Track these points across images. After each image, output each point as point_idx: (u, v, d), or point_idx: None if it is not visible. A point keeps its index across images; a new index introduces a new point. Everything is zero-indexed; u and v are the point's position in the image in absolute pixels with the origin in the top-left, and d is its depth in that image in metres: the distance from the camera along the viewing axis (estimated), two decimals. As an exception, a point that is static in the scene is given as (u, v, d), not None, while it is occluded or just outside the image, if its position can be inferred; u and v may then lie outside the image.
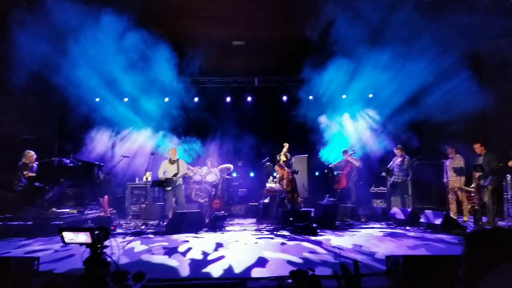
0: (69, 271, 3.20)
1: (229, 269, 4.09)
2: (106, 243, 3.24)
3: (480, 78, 10.94)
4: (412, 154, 9.71)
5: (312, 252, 5.14)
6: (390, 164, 9.67)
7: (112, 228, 7.34)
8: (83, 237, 3.17)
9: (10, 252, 5.31)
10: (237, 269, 4.08)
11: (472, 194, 7.38)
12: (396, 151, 9.60)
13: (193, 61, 11.45)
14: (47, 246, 5.87)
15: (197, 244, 5.91)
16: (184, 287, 3.25)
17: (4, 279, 3.15)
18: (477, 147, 7.98)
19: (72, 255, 5.05)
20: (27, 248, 5.67)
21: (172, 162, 8.79)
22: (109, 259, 3.29)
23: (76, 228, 3.25)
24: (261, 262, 4.49)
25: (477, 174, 7.57)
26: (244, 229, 7.64)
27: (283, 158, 9.29)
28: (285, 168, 8.81)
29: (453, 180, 8.49)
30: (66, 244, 3.23)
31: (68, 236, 3.20)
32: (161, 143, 11.90)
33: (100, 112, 11.32)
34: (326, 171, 10.80)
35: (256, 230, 7.54)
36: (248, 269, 4.09)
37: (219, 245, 5.77)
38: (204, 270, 4.05)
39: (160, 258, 4.75)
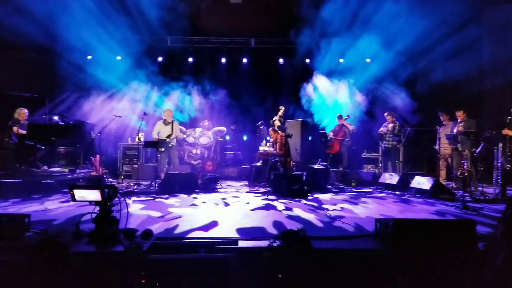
0: (62, 229, 3.20)
1: (222, 229, 4.14)
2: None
3: (480, 44, 10.83)
4: (408, 120, 9.74)
5: (301, 213, 5.20)
6: (381, 129, 9.70)
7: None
8: (94, 195, 3.20)
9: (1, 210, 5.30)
10: (229, 229, 4.12)
11: (462, 161, 7.45)
12: (386, 117, 9.60)
13: (189, 20, 11.14)
14: (37, 204, 5.86)
15: (190, 204, 5.96)
16: (183, 246, 3.28)
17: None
18: (460, 114, 8.08)
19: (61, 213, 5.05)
20: (18, 206, 5.65)
21: (166, 123, 8.74)
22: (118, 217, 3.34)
23: (87, 185, 3.26)
24: (252, 223, 4.55)
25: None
26: (236, 191, 7.69)
27: (277, 122, 9.23)
28: (279, 132, 8.78)
29: (444, 146, 8.58)
30: (75, 201, 3.24)
31: (79, 193, 3.22)
32: (155, 102, 11.82)
33: (92, 70, 11.10)
34: (320, 135, 10.81)
35: (248, 192, 7.60)
36: (240, 229, 4.13)
37: (211, 206, 5.82)
38: (197, 230, 4.08)
39: (155, 218, 4.78)
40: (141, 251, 2.85)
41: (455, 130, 8.03)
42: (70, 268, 2.48)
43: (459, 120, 8.11)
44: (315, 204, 6.06)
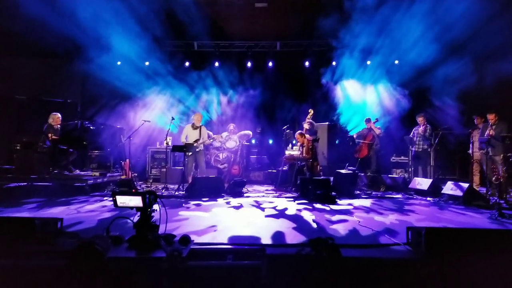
0: (99, 235, 3.26)
1: (248, 236, 4.12)
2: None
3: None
4: (438, 123, 9.45)
5: (330, 220, 5.12)
6: (412, 133, 9.46)
7: (133, 191, 7.47)
8: (135, 201, 3.27)
9: (34, 213, 5.47)
10: (256, 235, 4.10)
11: (493, 166, 7.18)
12: (418, 120, 9.37)
13: (215, 24, 11.24)
14: (69, 207, 6.01)
15: (216, 209, 5.98)
16: (210, 253, 3.29)
17: (30, 239, 3.24)
18: (492, 117, 7.75)
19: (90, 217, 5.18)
20: (50, 209, 5.81)
21: (195, 127, 8.88)
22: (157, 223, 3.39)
23: (129, 191, 3.33)
24: (280, 229, 4.51)
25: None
26: (262, 196, 7.67)
27: (306, 125, 9.17)
28: (306, 135, 8.71)
29: (478, 151, 8.28)
30: (117, 207, 3.32)
31: (121, 199, 3.30)
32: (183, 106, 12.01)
33: (122, 76, 11.38)
34: (347, 139, 10.64)
35: (274, 196, 7.57)
36: (267, 236, 4.11)
37: (238, 211, 5.83)
38: (223, 235, 4.09)
39: (186, 222, 4.82)
40: (181, 257, 2.88)
41: (486, 134, 7.70)
42: (107, 274, 2.52)
43: (490, 123, 7.79)
44: (343, 210, 5.96)
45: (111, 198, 6.83)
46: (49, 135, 8.08)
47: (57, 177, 7.81)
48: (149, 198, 3.30)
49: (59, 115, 8.51)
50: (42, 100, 10.62)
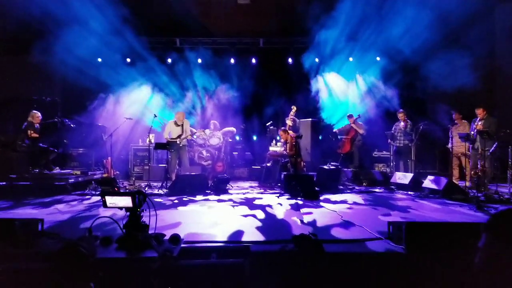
0: (84, 236, 3.20)
1: (232, 233, 4.13)
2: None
3: (492, 41, 10.67)
4: (417, 119, 9.60)
5: (313, 216, 5.17)
6: (393, 128, 9.61)
7: (116, 188, 7.40)
8: (125, 201, 3.22)
9: (13, 213, 5.36)
10: (239, 233, 4.12)
11: (478, 160, 7.36)
12: (399, 115, 9.52)
13: (197, 21, 11.15)
14: (50, 207, 5.91)
15: (199, 206, 5.97)
16: (194, 251, 3.27)
17: (9, 240, 3.18)
18: (480, 112, 7.88)
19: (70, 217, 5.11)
20: (30, 210, 5.70)
21: (177, 124, 8.82)
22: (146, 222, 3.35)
23: (118, 192, 3.29)
24: (263, 225, 4.53)
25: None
26: (247, 192, 7.68)
27: (289, 122, 9.20)
28: (289, 132, 8.75)
29: (457, 145, 8.46)
30: (107, 207, 3.27)
31: (110, 200, 3.25)
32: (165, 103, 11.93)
33: (103, 73, 11.20)
34: (330, 136, 10.73)
35: (259, 193, 7.59)
36: (251, 232, 4.13)
37: (222, 208, 5.83)
38: (207, 233, 4.09)
39: (169, 220, 4.79)
40: (172, 256, 2.86)
41: (474, 128, 7.84)
42: (94, 276, 2.48)
43: (478, 118, 7.94)
44: (326, 206, 6.02)
45: (91, 197, 6.80)
46: (29, 132, 7.89)
47: (37, 176, 7.66)
48: (139, 198, 3.27)
49: (39, 113, 8.32)
50: (20, 98, 10.34)
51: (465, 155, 8.43)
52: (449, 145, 8.45)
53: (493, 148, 7.22)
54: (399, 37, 10.62)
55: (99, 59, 11.64)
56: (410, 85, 11.25)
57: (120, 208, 3.30)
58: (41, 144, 8.03)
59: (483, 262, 1.14)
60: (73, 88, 11.05)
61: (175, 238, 3.34)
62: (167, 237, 3.42)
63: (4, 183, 7.22)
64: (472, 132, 7.82)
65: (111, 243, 3.30)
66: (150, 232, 3.36)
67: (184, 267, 2.85)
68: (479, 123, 7.82)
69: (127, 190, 7.78)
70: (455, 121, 8.63)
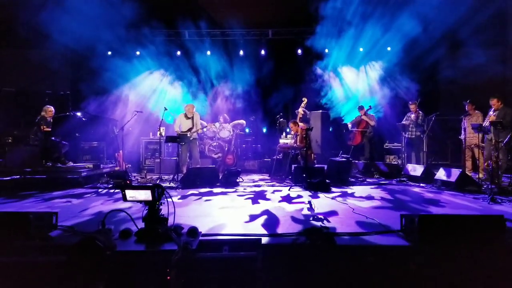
0: (101, 230, 3.23)
1: (244, 226, 4.14)
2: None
3: (504, 34, 10.47)
4: (430, 110, 9.49)
5: (324, 208, 5.15)
6: (405, 119, 9.51)
7: (128, 181, 7.47)
8: (144, 195, 3.26)
9: (28, 207, 5.44)
10: (251, 225, 4.13)
11: (492, 151, 7.23)
12: (410, 106, 9.41)
13: (205, 13, 11.12)
14: (63, 200, 5.99)
15: (210, 199, 5.99)
16: (206, 244, 3.28)
17: (24, 233, 3.23)
18: (494, 102, 7.71)
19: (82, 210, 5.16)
20: (44, 203, 5.78)
21: (187, 117, 8.84)
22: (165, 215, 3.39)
23: (138, 186, 3.33)
24: (275, 218, 4.53)
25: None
26: (257, 185, 7.69)
27: (300, 113, 9.15)
28: (299, 124, 8.71)
29: (470, 137, 8.34)
30: (126, 201, 3.31)
31: (130, 193, 3.30)
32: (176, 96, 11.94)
33: (113, 67, 11.26)
34: (341, 127, 10.66)
35: (269, 185, 7.59)
36: (262, 225, 4.13)
37: (233, 201, 5.84)
38: (218, 225, 4.11)
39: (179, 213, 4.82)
40: (192, 249, 2.89)
41: (487, 119, 7.70)
42: (111, 269, 2.51)
43: (493, 109, 7.79)
44: (337, 198, 6.00)
45: (104, 190, 6.87)
46: (42, 127, 7.98)
47: (50, 169, 7.76)
48: (158, 191, 3.30)
49: (52, 107, 8.40)
50: (32, 92, 10.45)
51: (478, 146, 8.29)
52: (462, 136, 8.33)
53: (507, 139, 7.09)
54: (410, 27, 10.47)
55: (109, 52, 11.69)
56: (423, 75, 11.09)
57: (140, 202, 3.34)
58: (53, 138, 8.12)
59: None
60: (84, 81, 11.12)
61: (193, 231, 3.36)
62: (185, 230, 3.44)
63: (17, 176, 7.32)
64: (486, 123, 7.67)
65: (130, 236, 3.34)
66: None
67: (201, 260, 2.87)
68: (493, 113, 7.68)
69: (138, 184, 7.89)
70: (468, 112, 8.48)
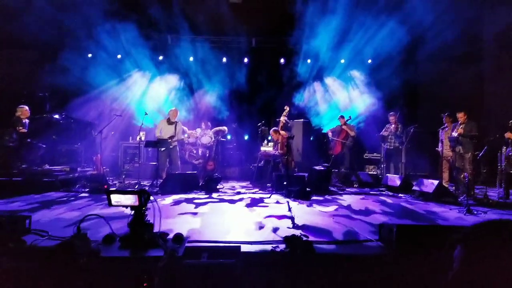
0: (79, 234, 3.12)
1: (223, 233, 4.10)
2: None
3: (479, 48, 10.82)
4: (408, 122, 9.68)
5: (304, 217, 5.16)
6: (383, 130, 9.67)
7: (105, 186, 7.32)
8: (130, 200, 3.18)
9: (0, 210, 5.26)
10: (231, 233, 4.09)
11: (463, 164, 7.45)
12: (390, 118, 9.59)
13: (189, 19, 11.12)
14: (38, 204, 5.82)
15: (189, 205, 5.93)
16: (185, 251, 3.22)
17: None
18: (461, 116, 7.89)
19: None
20: (17, 206, 5.61)
21: (170, 122, 8.72)
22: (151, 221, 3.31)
23: (124, 191, 3.24)
24: (254, 225, 4.51)
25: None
26: (238, 192, 7.65)
27: (282, 121, 9.18)
28: (281, 132, 8.74)
29: (447, 148, 8.53)
30: (111, 205, 3.22)
31: (115, 198, 3.21)
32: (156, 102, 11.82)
33: (93, 69, 11.09)
34: (321, 136, 10.75)
35: (250, 192, 7.57)
36: (242, 232, 4.10)
37: (213, 208, 5.79)
38: (197, 232, 4.06)
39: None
40: (177, 256, 2.82)
41: (454, 133, 7.91)
42: (84, 278, 2.42)
43: (459, 122, 8.01)
44: (318, 206, 6.03)
45: (80, 194, 6.71)
46: (18, 128, 7.76)
47: (26, 172, 7.54)
48: (144, 196, 3.23)
49: (27, 108, 8.18)
50: (8, 92, 10.15)
51: (453, 159, 8.49)
52: (439, 148, 8.51)
53: (482, 152, 7.30)
54: (389, 38, 10.72)
55: (89, 55, 11.52)
56: (402, 87, 11.31)
57: (126, 207, 3.26)
58: (29, 140, 7.90)
59: (457, 272, 1.15)
60: (63, 83, 10.90)
61: (179, 237, 3.30)
62: (170, 236, 3.38)
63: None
64: (455, 134, 7.87)
65: (114, 242, 3.25)
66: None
67: (187, 267, 2.82)
68: (460, 127, 7.88)
69: (117, 188, 7.74)
70: (445, 124, 8.68)
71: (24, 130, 7.88)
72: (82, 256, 2.65)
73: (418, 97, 12.07)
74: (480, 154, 7.31)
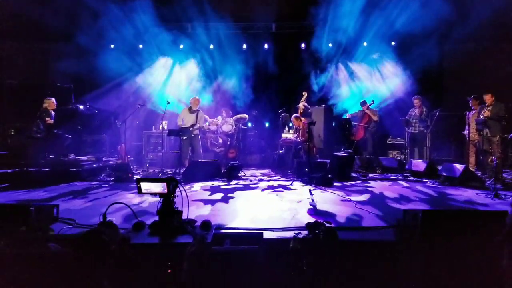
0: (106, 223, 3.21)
1: (245, 219, 4.13)
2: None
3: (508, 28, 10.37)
4: (433, 105, 9.43)
5: (327, 203, 5.14)
6: (408, 114, 9.43)
7: (130, 175, 7.47)
8: (159, 187, 3.26)
9: (29, 199, 5.44)
10: (253, 220, 4.11)
11: (491, 147, 7.21)
12: (414, 102, 9.33)
13: (208, 5, 11.06)
14: (65, 193, 5.99)
15: (212, 192, 5.98)
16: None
17: (25, 226, 3.22)
18: (488, 98, 7.60)
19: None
20: (45, 196, 5.78)
21: (191, 111, 8.78)
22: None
23: (153, 178, 3.32)
24: (277, 212, 4.52)
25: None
26: (259, 179, 7.67)
27: (301, 107, 9.09)
28: (302, 118, 8.67)
29: (474, 132, 8.26)
30: (141, 193, 3.31)
31: (145, 186, 3.30)
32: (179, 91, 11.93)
33: (116, 60, 11.23)
34: (343, 122, 10.59)
35: (272, 180, 7.57)
36: (265, 219, 4.12)
37: (236, 195, 5.83)
38: (219, 219, 4.10)
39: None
40: (207, 242, 2.87)
41: (481, 115, 7.65)
42: (112, 265, 2.48)
43: (486, 104, 7.72)
44: (340, 193, 5.97)
45: (106, 183, 6.87)
46: (45, 119, 7.95)
47: (53, 162, 7.75)
48: (172, 184, 3.29)
49: (54, 99, 8.37)
50: (35, 85, 10.41)
51: (480, 142, 8.23)
52: (465, 132, 8.26)
53: (511, 135, 7.04)
54: (414, 20, 10.36)
55: (112, 46, 11.67)
56: (427, 70, 10.97)
57: (155, 194, 3.34)
58: (56, 131, 8.11)
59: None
60: (87, 74, 11.10)
61: (206, 224, 3.35)
62: (198, 223, 3.43)
63: (19, 169, 7.31)
64: (481, 117, 7.60)
65: (143, 229, 3.33)
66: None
67: (215, 253, 2.85)
68: (487, 109, 7.60)
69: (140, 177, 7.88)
70: (472, 107, 8.40)
71: (51, 121, 8.07)
72: (113, 243, 2.71)
73: (443, 80, 11.69)
74: (510, 137, 7.04)
